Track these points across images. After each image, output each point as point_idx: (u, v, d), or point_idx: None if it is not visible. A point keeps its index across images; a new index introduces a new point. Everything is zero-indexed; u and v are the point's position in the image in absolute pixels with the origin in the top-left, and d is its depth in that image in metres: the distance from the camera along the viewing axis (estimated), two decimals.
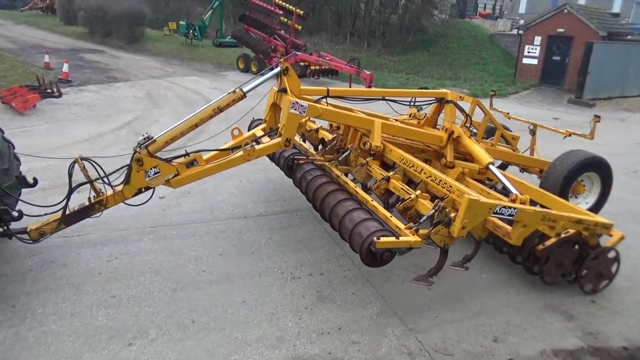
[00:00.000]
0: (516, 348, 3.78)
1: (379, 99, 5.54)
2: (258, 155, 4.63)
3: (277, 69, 4.79)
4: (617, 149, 9.78)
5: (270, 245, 5.19)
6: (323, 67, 16.85)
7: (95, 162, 4.27)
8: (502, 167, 7.05)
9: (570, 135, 6.72)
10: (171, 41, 26.37)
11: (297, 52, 17.58)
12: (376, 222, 3.91)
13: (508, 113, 7.58)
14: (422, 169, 4.64)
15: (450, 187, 4.25)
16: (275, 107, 4.98)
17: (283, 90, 4.77)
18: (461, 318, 4.10)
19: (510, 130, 7.01)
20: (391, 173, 4.66)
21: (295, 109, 4.54)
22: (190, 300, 4.16)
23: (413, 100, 5.99)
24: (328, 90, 5.17)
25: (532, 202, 5.12)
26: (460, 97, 5.71)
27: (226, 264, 4.75)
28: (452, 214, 3.79)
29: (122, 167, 4.37)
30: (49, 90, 11.68)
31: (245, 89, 4.68)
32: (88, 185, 4.27)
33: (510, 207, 3.90)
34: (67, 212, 4.30)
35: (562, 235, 4.35)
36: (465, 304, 4.31)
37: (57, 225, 4.33)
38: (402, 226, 3.93)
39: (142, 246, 5.04)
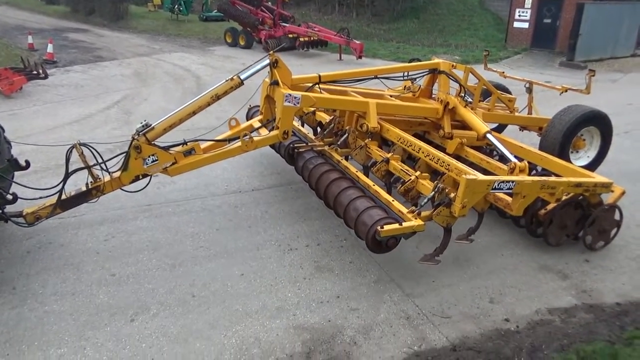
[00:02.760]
0: (512, 308, 3.86)
1: (372, 78, 5.52)
2: (256, 147, 4.68)
3: (267, 61, 4.75)
4: (609, 109, 9.63)
5: (266, 218, 5.21)
6: (312, 38, 16.62)
7: (93, 148, 4.28)
8: (500, 128, 7.04)
9: (566, 90, 6.71)
10: (156, 17, 25.86)
11: (285, 24, 17.31)
12: (379, 210, 3.95)
13: (503, 72, 7.56)
14: (420, 148, 4.66)
15: (449, 165, 4.28)
16: (269, 99, 4.96)
17: (275, 83, 4.76)
18: (457, 282, 4.17)
19: (510, 92, 7.00)
20: (389, 154, 4.65)
21: (289, 102, 4.56)
22: (189, 275, 4.19)
23: (406, 74, 5.93)
24: (320, 77, 5.15)
25: (532, 166, 5.21)
26: (453, 65, 5.67)
27: (223, 239, 4.77)
28: (452, 194, 3.82)
29: (120, 154, 4.40)
30: (35, 72, 11.45)
31: (242, 77, 4.68)
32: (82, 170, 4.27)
33: (508, 181, 3.92)
34: (64, 196, 4.32)
35: (563, 198, 4.40)
36: (461, 267, 4.37)
37: (52, 210, 4.33)
38: (404, 210, 3.96)
39: (138, 224, 5.05)
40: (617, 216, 4.75)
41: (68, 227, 4.93)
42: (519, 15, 18.28)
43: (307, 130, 5.86)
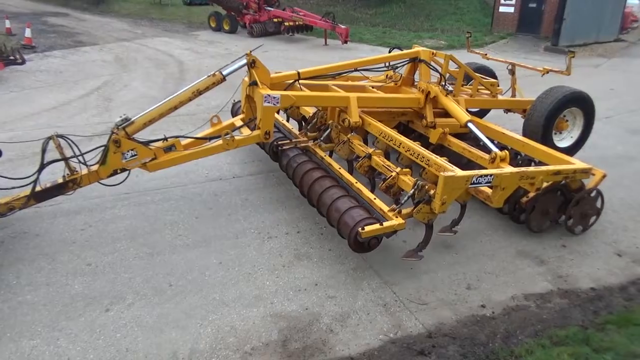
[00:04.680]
0: (488, 294, 3.89)
1: (352, 71, 5.51)
2: (237, 146, 4.70)
3: (244, 61, 4.72)
4: (590, 95, 9.83)
5: (246, 206, 5.17)
6: (297, 22, 16.45)
7: (71, 140, 4.25)
8: (482, 113, 7.04)
9: (547, 72, 6.78)
10: (139, 0, 25.35)
11: (270, 8, 17.08)
12: (361, 209, 3.95)
13: (486, 54, 7.60)
14: (400, 143, 4.65)
15: (429, 161, 4.27)
16: (249, 99, 4.94)
17: (254, 84, 4.74)
18: (435, 268, 4.19)
19: (495, 74, 7.02)
20: (371, 150, 4.63)
21: (269, 102, 4.56)
22: (167, 264, 4.15)
23: (387, 64, 5.87)
24: (299, 74, 5.12)
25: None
26: (433, 53, 5.64)
27: (202, 227, 4.73)
28: (432, 191, 3.81)
29: (98, 147, 4.37)
30: (12, 58, 11.19)
31: (224, 72, 4.68)
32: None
33: (486, 175, 3.91)
34: (39, 188, 4.29)
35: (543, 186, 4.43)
36: (440, 254, 4.38)
37: (26, 201, 4.28)
38: (386, 208, 3.96)
39: (116, 213, 4.98)
40: (598, 203, 4.80)
41: (44, 216, 4.85)
42: (505, 0, 18.23)
43: (292, 125, 5.82)
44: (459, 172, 3.89)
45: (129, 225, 4.76)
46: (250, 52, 4.72)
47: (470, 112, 6.16)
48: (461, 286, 3.97)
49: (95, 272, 4.03)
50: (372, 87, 5.75)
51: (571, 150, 6.07)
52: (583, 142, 6.12)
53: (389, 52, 6.02)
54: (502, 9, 18.53)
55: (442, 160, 4.19)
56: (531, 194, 4.49)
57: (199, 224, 4.81)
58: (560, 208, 4.74)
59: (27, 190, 4.29)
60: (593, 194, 4.76)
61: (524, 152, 5.17)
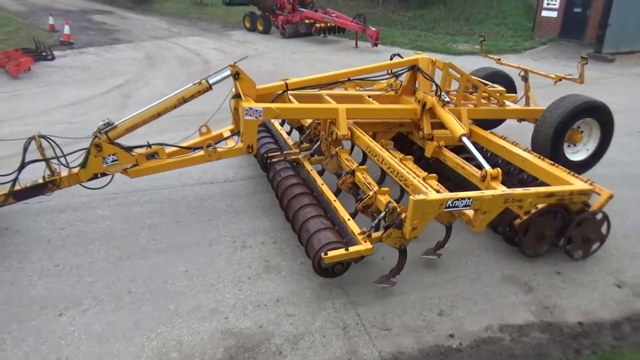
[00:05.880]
0: (460, 323, 3.58)
1: (345, 81, 5.33)
2: (219, 157, 4.65)
3: (227, 73, 4.61)
4: (627, 106, 9.15)
5: (229, 212, 5.05)
6: (329, 24, 16.26)
7: (53, 141, 4.30)
8: (497, 122, 6.62)
9: (560, 79, 6.35)
10: (181, 0, 25.91)
11: (303, 9, 17.01)
12: (330, 232, 3.75)
13: (499, 59, 7.21)
14: (383, 159, 4.41)
15: (406, 181, 4.01)
16: (236, 111, 4.88)
17: (237, 96, 4.64)
18: (410, 290, 3.91)
19: (513, 81, 6.65)
20: (355, 165, 4.41)
21: (250, 115, 4.43)
22: (133, 269, 4.08)
23: (390, 71, 5.61)
24: (286, 84, 4.95)
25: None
26: (432, 61, 5.33)
27: (179, 232, 4.65)
28: (403, 214, 3.55)
29: (80, 150, 4.39)
30: (44, 53, 11.61)
31: (211, 81, 4.61)
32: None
33: (464, 198, 3.58)
34: (18, 187, 4.35)
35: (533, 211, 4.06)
36: (418, 274, 4.10)
37: (5, 199, 4.35)
38: (357, 231, 3.74)
39: (99, 213, 4.98)
40: (603, 228, 4.37)
41: (30, 213, 4.90)
42: (548, 4, 17.35)
43: (287, 135, 5.67)
44: (432, 194, 3.60)
45: (107, 226, 4.73)
46: (235, 63, 4.60)
47: (478, 122, 5.86)
48: (433, 312, 3.68)
49: (61, 273, 4.01)
50: (370, 97, 5.48)
51: (586, 164, 5.62)
52: (600, 155, 5.64)
53: (390, 59, 5.74)
54: (544, 13, 17.65)
55: (418, 181, 3.91)
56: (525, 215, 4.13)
57: (177, 228, 4.72)
58: (560, 232, 4.34)
59: (5, 189, 4.35)
60: (598, 217, 4.33)
61: (523, 167, 4.78)
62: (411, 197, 3.44)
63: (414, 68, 5.30)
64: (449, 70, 5.32)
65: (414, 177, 3.99)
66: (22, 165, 4.34)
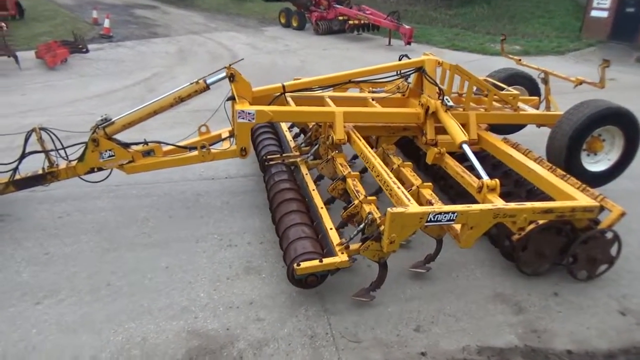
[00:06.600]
0: (436, 341, 3.38)
1: (345, 83, 5.19)
2: (214, 159, 4.71)
3: (222, 75, 4.57)
4: None
5: (223, 209, 5.02)
6: (362, 21, 16.05)
7: (54, 134, 4.46)
8: (517, 127, 6.27)
9: (581, 83, 5.95)
10: None
11: (338, 6, 16.86)
12: (308, 242, 3.64)
13: (520, 59, 6.89)
14: (373, 167, 4.25)
15: (391, 191, 3.84)
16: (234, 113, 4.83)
17: (232, 99, 4.60)
18: (390, 301, 3.73)
19: (536, 84, 6.42)
20: (347, 171, 4.28)
21: (243, 118, 4.40)
22: (117, 262, 4.11)
23: (398, 72, 5.41)
24: (284, 87, 4.87)
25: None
26: (439, 63, 5.10)
27: (169, 227, 4.65)
28: (382, 227, 3.39)
29: (79, 143, 4.51)
30: (80, 46, 12.01)
31: (208, 81, 4.60)
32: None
33: (448, 212, 3.37)
34: (18, 176, 4.52)
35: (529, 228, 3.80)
36: (402, 285, 3.92)
37: (5, 187, 4.50)
38: (336, 241, 3.63)
39: (98, 204, 5.06)
40: (613, 250, 4.04)
41: (33, 201, 5.05)
42: (598, 3, 16.43)
43: (291, 138, 5.60)
44: (412, 207, 3.41)
45: (103, 217, 4.80)
46: (230, 65, 4.56)
47: (496, 128, 5.60)
48: (409, 326, 3.50)
49: (49, 262, 4.09)
50: (375, 100, 5.30)
51: (608, 175, 5.24)
52: (624, 166, 5.23)
53: (399, 59, 5.53)
54: (594, 13, 16.73)
55: (402, 192, 3.72)
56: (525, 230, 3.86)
57: (169, 223, 4.73)
58: (566, 249, 4.03)
59: (6, 177, 4.50)
60: (608, 236, 4.01)
61: (528, 178, 4.50)
62: (388, 209, 3.27)
63: (420, 70, 5.09)
64: (457, 73, 5.08)
65: (399, 188, 3.80)
66: (23, 156, 4.48)
